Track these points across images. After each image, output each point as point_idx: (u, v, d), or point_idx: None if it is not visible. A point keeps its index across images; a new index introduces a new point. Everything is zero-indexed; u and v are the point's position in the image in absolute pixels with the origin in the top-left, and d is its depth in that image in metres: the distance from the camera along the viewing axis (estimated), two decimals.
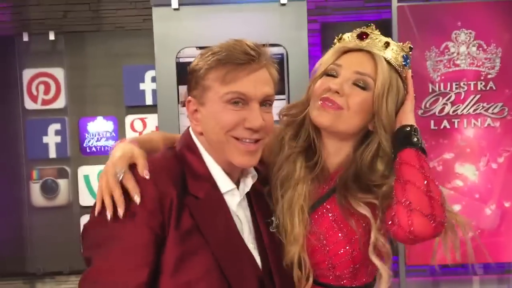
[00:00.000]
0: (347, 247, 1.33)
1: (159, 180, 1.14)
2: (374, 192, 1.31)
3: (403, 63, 1.36)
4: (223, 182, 1.24)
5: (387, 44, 1.36)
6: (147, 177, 1.14)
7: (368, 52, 1.34)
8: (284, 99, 3.05)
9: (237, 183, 1.29)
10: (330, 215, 1.35)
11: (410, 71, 1.40)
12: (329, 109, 1.32)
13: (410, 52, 1.41)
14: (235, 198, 1.26)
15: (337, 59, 1.36)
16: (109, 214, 1.11)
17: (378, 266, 1.33)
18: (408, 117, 1.34)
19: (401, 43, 1.40)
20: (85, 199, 3.66)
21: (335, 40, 1.43)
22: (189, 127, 1.30)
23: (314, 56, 3.37)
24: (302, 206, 1.34)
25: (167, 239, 1.13)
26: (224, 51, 1.19)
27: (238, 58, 1.17)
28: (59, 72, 3.70)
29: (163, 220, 1.12)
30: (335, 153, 1.40)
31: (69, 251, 3.41)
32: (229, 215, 1.23)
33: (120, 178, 1.13)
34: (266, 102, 1.23)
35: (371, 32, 1.38)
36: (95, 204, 1.16)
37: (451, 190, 3.30)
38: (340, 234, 1.33)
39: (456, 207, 3.30)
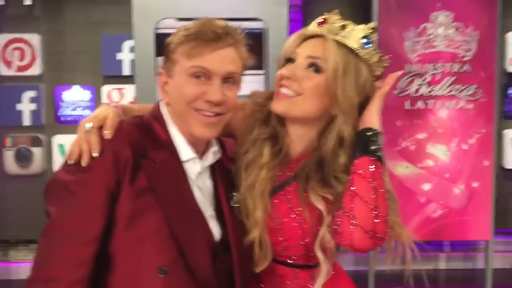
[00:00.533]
0: (299, 233, 1.37)
1: (117, 141, 1.23)
2: (332, 186, 1.34)
3: (363, 45, 1.34)
4: (184, 150, 1.33)
5: (344, 27, 1.34)
6: (106, 137, 1.23)
7: (324, 37, 1.35)
8: (262, 74, 3.06)
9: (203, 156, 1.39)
10: (287, 201, 1.39)
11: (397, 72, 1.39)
12: (283, 97, 1.35)
13: (374, 34, 1.38)
14: (195, 167, 1.34)
15: (297, 46, 1.37)
16: (70, 161, 1.22)
17: (319, 260, 1.36)
18: (372, 119, 1.34)
19: (363, 25, 1.37)
20: None
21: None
22: (159, 100, 1.38)
23: (295, 32, 3.37)
24: (264, 190, 1.38)
25: (120, 195, 1.21)
26: (194, 28, 1.28)
27: (205, 35, 1.26)
28: (35, 38, 3.63)
29: (118, 178, 1.21)
30: (298, 140, 1.42)
31: (43, 219, 3.39)
32: (185, 181, 1.31)
33: (87, 133, 1.23)
34: (228, 79, 1.30)
35: (331, 17, 1.37)
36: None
37: (422, 169, 3.38)
38: (294, 221, 1.38)
39: (427, 186, 3.39)
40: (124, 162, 1.22)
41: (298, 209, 1.37)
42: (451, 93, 3.36)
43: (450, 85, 3.36)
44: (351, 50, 1.33)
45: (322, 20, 1.38)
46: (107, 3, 3.60)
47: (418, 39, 3.33)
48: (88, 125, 1.24)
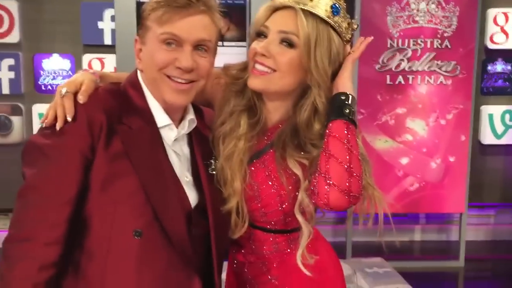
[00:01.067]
0: (277, 199, 1.41)
1: (91, 106, 1.24)
2: (309, 152, 1.36)
3: (332, 13, 1.33)
4: (160, 117, 1.33)
5: None
6: (80, 102, 1.24)
7: (293, 8, 1.33)
8: (244, 46, 3.06)
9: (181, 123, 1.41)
10: (265, 168, 1.42)
11: (367, 38, 1.39)
12: (259, 74, 1.35)
13: (342, 1, 1.36)
14: (172, 133, 1.35)
15: (266, 19, 1.36)
16: (44, 124, 1.24)
17: (300, 223, 1.39)
18: (345, 84, 1.34)
19: None
20: None
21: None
22: (136, 68, 1.38)
23: None
24: (242, 160, 1.40)
25: (95, 159, 1.23)
26: None
27: (176, 1, 1.25)
28: (12, 5, 3.54)
29: (92, 142, 1.22)
30: (275, 110, 1.44)
31: None
32: (161, 147, 1.32)
33: (62, 97, 1.24)
34: (201, 47, 1.30)
35: None
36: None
37: (400, 143, 3.44)
38: (272, 187, 1.40)
39: (404, 160, 3.46)
40: (98, 127, 1.23)
41: (275, 175, 1.40)
42: (431, 69, 3.40)
43: (430, 60, 3.40)
44: (321, 20, 1.32)
45: None
46: None
47: (401, 14, 3.35)
48: (64, 90, 1.26)
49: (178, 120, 1.39)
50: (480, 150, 3.88)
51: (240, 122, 1.43)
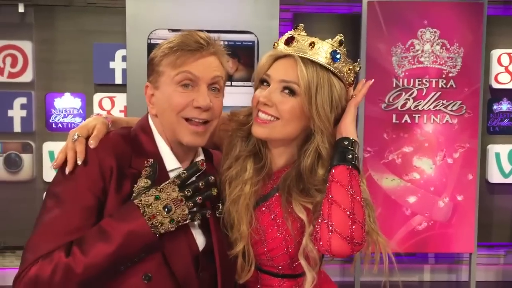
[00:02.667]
0: (283, 244, 1.41)
1: (102, 151, 1.29)
2: (313, 196, 1.37)
3: (332, 60, 1.35)
4: (170, 161, 1.37)
5: (312, 44, 1.35)
6: (91, 146, 1.29)
7: (293, 56, 1.36)
8: (252, 86, 3.12)
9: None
10: (270, 212, 1.43)
11: (370, 81, 1.42)
12: (262, 123, 1.38)
13: (342, 46, 1.39)
14: None
15: (268, 68, 1.39)
16: (53, 167, 1.31)
17: (304, 268, 1.39)
18: (347, 129, 1.36)
19: (331, 39, 1.38)
20: (49, 175, 3.65)
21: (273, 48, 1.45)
22: (148, 112, 1.43)
23: None
24: (248, 204, 1.42)
25: (107, 202, 1.27)
26: (177, 40, 1.34)
27: (189, 45, 1.32)
28: (27, 45, 3.65)
29: (104, 185, 1.26)
30: (280, 155, 1.46)
31: (31, 226, 3.37)
32: None
33: (74, 141, 1.30)
34: (214, 86, 1.36)
35: (298, 35, 1.39)
36: None
37: (408, 182, 3.44)
38: (278, 232, 1.41)
39: (412, 199, 3.45)
40: (109, 171, 1.27)
41: (281, 219, 1.41)
42: (437, 108, 3.44)
43: (435, 100, 3.43)
44: (321, 67, 1.34)
45: (290, 37, 1.39)
46: (100, 12, 3.63)
47: (405, 54, 3.41)
48: (76, 135, 1.31)
49: (188, 162, 1.42)
50: (488, 189, 3.86)
51: (246, 167, 1.45)
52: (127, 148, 1.33)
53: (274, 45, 1.44)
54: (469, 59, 3.41)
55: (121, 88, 3.56)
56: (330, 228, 1.27)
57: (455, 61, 3.42)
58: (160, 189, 1.27)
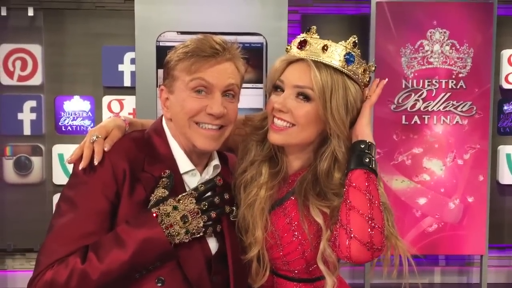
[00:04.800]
0: (299, 248, 1.39)
1: (115, 155, 1.29)
2: (330, 200, 1.35)
3: (346, 62, 1.33)
4: (184, 163, 1.37)
5: (325, 47, 1.33)
6: (106, 149, 1.30)
7: (306, 60, 1.34)
8: (261, 88, 3.11)
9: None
10: (285, 216, 1.41)
11: (383, 80, 1.40)
12: (278, 130, 1.37)
13: (356, 48, 1.36)
14: (194, 179, 1.38)
15: (282, 73, 1.37)
16: (68, 162, 1.32)
17: (324, 273, 1.37)
18: (363, 131, 1.34)
19: (344, 41, 1.35)
20: (59, 178, 3.66)
21: (286, 52, 1.42)
22: (162, 114, 1.43)
23: None
24: (263, 208, 1.41)
25: (120, 206, 1.27)
26: (193, 45, 1.33)
27: (204, 51, 1.31)
28: (36, 49, 3.66)
29: (117, 188, 1.27)
30: (296, 159, 1.45)
31: (40, 228, 3.39)
32: (183, 193, 1.33)
33: (93, 142, 1.31)
34: (228, 93, 1.35)
35: (310, 38, 1.36)
36: None
37: (418, 183, 3.42)
38: (293, 236, 1.40)
39: (422, 200, 3.43)
40: (122, 174, 1.27)
41: (297, 223, 1.39)
42: (447, 109, 3.41)
43: (445, 101, 3.41)
44: (335, 70, 1.32)
45: (302, 40, 1.36)
46: (108, 15, 3.64)
47: (415, 55, 3.40)
48: (95, 135, 1.31)
49: (203, 165, 1.42)
50: (498, 190, 3.83)
51: (261, 171, 1.44)
52: (140, 151, 1.33)
53: (286, 49, 1.42)
54: (479, 60, 3.39)
55: (130, 90, 3.57)
56: (349, 234, 1.25)
57: (465, 62, 3.39)
58: (178, 199, 1.28)
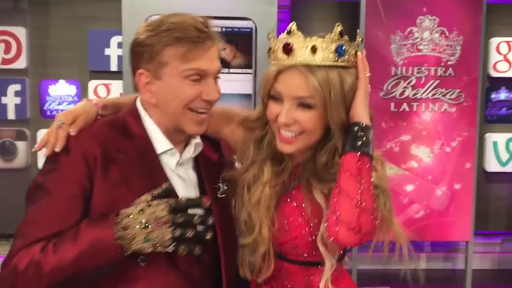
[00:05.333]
0: (306, 231, 1.40)
1: (85, 140, 1.29)
2: (332, 182, 1.33)
3: (338, 55, 1.30)
4: (160, 142, 1.36)
5: (314, 49, 1.28)
6: (72, 134, 1.29)
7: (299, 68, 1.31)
8: (251, 73, 3.08)
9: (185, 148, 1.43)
10: (293, 200, 1.42)
11: (361, 52, 1.34)
12: (287, 141, 1.36)
13: (344, 36, 1.31)
14: (173, 158, 1.37)
15: (274, 81, 1.34)
16: (35, 150, 1.32)
17: (322, 254, 1.38)
18: (358, 113, 1.32)
19: (329, 34, 1.30)
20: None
21: (269, 53, 1.38)
22: (136, 97, 1.42)
23: (283, 32, 3.38)
24: (269, 206, 1.41)
25: (94, 190, 1.26)
26: (180, 29, 1.28)
27: (195, 36, 1.28)
28: (21, 31, 3.59)
29: (89, 172, 1.26)
30: (300, 154, 1.43)
31: None
32: (161, 172, 1.34)
33: (58, 127, 1.29)
34: (216, 77, 1.37)
35: (294, 41, 1.30)
36: None
37: (406, 170, 3.43)
38: (300, 219, 1.40)
39: (410, 187, 3.44)
40: (93, 158, 1.26)
41: (303, 206, 1.40)
42: (435, 97, 3.42)
43: (434, 88, 3.41)
44: (330, 67, 1.30)
45: (287, 45, 1.30)
46: None
47: (404, 42, 3.38)
48: (61, 120, 1.30)
49: (183, 144, 1.41)
50: (485, 178, 3.86)
51: (263, 170, 1.43)
52: (113, 133, 1.33)
53: (269, 50, 1.37)
54: (468, 47, 3.38)
55: (117, 75, 3.52)
56: (338, 218, 1.25)
57: (454, 49, 3.39)
58: (150, 204, 1.22)
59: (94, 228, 1.20)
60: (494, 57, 3.76)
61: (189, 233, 1.19)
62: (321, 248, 1.37)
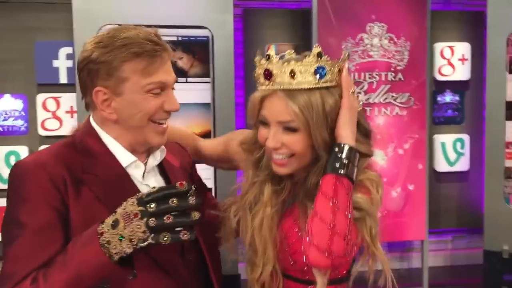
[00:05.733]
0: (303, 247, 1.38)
1: (48, 163, 1.25)
2: None
3: (319, 77, 1.29)
4: (124, 157, 1.35)
5: (292, 73, 1.29)
6: None
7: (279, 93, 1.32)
8: (209, 82, 3.06)
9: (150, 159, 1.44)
10: (292, 216, 1.43)
11: (345, 69, 1.35)
12: (280, 164, 1.38)
13: (323, 57, 1.31)
14: (139, 170, 1.38)
15: (260, 107, 1.37)
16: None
17: (313, 272, 1.37)
18: (341, 132, 1.31)
19: (307, 57, 1.30)
20: None
21: (255, 78, 1.40)
22: (89, 116, 1.40)
23: (237, 40, 3.39)
24: (271, 227, 1.42)
25: (70, 213, 1.23)
26: (136, 43, 1.28)
27: (152, 49, 1.29)
28: None
29: (61, 196, 1.22)
30: (298, 174, 1.44)
31: None
32: (131, 184, 1.34)
33: None
34: (173, 88, 1.39)
35: (273, 64, 1.32)
36: None
37: None
38: (297, 234, 1.41)
39: None
40: (62, 181, 1.23)
41: (299, 223, 1.40)
42: (387, 101, 3.52)
43: (385, 93, 3.52)
44: (311, 89, 1.30)
45: (266, 71, 1.33)
46: (40, 8, 3.44)
47: (356, 49, 3.47)
48: None
49: (145, 154, 1.41)
50: (435, 178, 4.01)
51: (263, 190, 1.44)
52: (75, 155, 1.31)
53: (255, 63, 1.38)
54: (415, 53, 3.51)
55: (67, 87, 3.40)
56: (310, 239, 1.24)
57: (403, 55, 3.51)
58: (122, 204, 1.19)
59: (80, 245, 1.16)
60: (438, 61, 3.93)
61: (169, 220, 1.14)
62: (315, 270, 1.36)
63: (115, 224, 1.14)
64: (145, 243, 1.14)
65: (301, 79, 1.29)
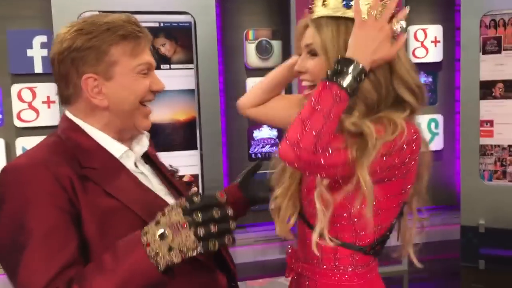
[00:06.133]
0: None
1: (49, 161, 1.21)
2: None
3: (345, 6, 1.36)
4: (115, 148, 1.35)
5: (324, 2, 1.40)
6: None
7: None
8: (192, 68, 3.04)
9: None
10: None
11: None
12: (307, 89, 1.50)
13: None
14: (130, 159, 1.38)
15: (300, 41, 1.50)
16: None
17: (317, 209, 1.41)
18: (349, 49, 1.33)
19: None
20: None
21: None
22: (64, 113, 1.37)
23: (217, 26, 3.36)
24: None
25: (81, 210, 1.19)
26: (120, 26, 1.30)
27: (137, 31, 1.32)
28: None
29: (69, 196, 1.18)
30: None
31: None
32: (130, 174, 1.34)
33: None
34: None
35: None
36: None
37: None
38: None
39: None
40: (68, 179, 1.19)
41: None
42: None
43: None
44: (338, 18, 1.38)
45: (310, 5, 1.46)
46: None
47: None
48: None
49: (129, 141, 1.41)
50: None
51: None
52: (69, 151, 1.28)
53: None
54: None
55: (42, 77, 3.30)
56: (286, 134, 1.29)
57: None
58: (163, 213, 1.17)
59: (125, 252, 1.13)
60: (413, 44, 4.01)
61: (214, 228, 1.14)
62: (317, 202, 1.40)
63: (162, 235, 1.12)
64: (195, 251, 1.14)
65: (329, 8, 1.38)
